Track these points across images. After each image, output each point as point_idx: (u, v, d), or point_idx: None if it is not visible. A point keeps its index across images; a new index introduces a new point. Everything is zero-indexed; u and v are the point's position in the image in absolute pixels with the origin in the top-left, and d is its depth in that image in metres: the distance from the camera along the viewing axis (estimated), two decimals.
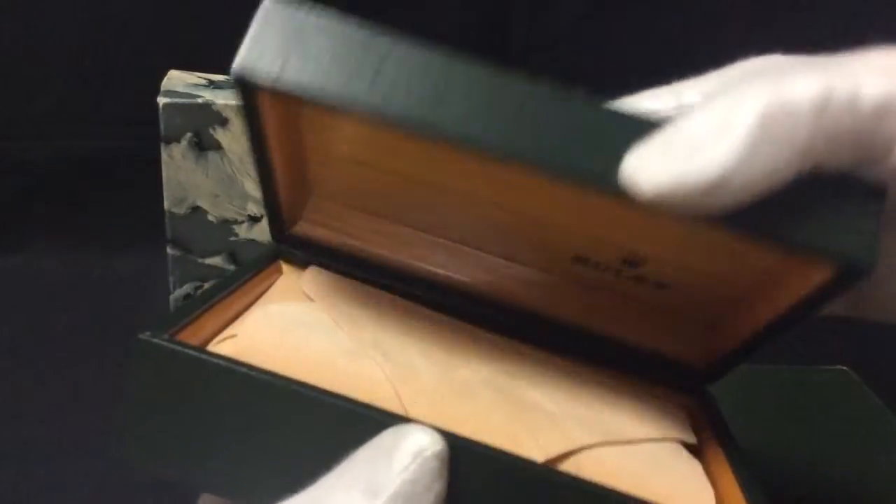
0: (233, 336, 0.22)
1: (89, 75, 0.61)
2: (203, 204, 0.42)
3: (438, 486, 0.18)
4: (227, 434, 0.19)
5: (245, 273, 0.25)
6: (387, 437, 0.18)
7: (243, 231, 0.43)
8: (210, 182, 0.41)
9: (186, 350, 0.19)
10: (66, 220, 0.55)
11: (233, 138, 0.40)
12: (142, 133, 0.47)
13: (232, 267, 0.43)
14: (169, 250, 0.42)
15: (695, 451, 0.24)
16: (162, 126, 0.40)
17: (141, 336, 0.20)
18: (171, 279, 0.43)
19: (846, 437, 0.41)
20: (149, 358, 0.20)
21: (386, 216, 0.27)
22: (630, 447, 0.22)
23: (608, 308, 0.26)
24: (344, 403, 0.19)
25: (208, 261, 0.43)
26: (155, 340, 0.20)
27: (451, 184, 0.25)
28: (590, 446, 0.21)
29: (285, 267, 0.27)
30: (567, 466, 0.21)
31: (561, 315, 0.26)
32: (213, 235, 0.42)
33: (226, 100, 0.40)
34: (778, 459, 0.37)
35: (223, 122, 0.40)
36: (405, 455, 0.17)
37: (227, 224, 0.42)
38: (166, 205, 0.41)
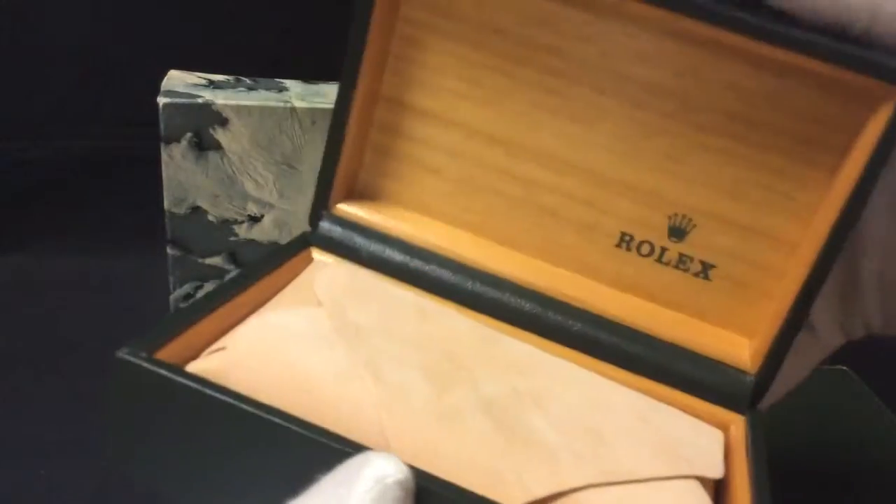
0: (222, 349, 0.22)
1: (89, 75, 0.61)
2: (203, 204, 0.42)
3: None
4: (200, 454, 0.19)
5: (273, 260, 0.24)
6: (352, 463, 0.17)
7: (243, 231, 0.43)
8: (210, 182, 0.41)
9: (159, 370, 0.19)
10: (66, 220, 0.54)
11: (233, 138, 0.40)
12: (142, 133, 0.47)
13: (232, 267, 0.43)
14: (169, 250, 0.42)
15: (719, 485, 0.22)
16: (162, 126, 0.40)
17: (118, 354, 0.20)
18: (171, 279, 0.43)
19: (846, 437, 0.41)
20: (125, 374, 0.19)
21: (428, 204, 0.27)
22: (629, 488, 0.20)
23: (648, 304, 0.26)
24: (318, 437, 0.18)
25: (208, 261, 0.43)
26: (130, 359, 0.19)
27: (509, 161, 0.25)
28: (581, 488, 0.19)
29: (316, 255, 0.27)
30: None
31: (598, 311, 0.26)
32: (213, 235, 0.42)
33: (226, 100, 0.40)
34: (777, 459, 0.37)
35: (223, 122, 0.40)
36: (367, 481, 0.17)
37: (227, 224, 0.42)
38: (166, 205, 0.41)
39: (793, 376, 0.26)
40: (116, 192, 0.58)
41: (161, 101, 0.39)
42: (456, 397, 0.21)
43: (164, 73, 0.42)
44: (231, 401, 0.18)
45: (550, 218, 0.26)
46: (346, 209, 0.27)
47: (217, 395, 0.19)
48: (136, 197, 0.49)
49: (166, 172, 0.40)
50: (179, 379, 0.19)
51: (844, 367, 0.46)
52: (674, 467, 0.21)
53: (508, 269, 0.26)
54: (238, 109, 0.40)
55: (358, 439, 0.18)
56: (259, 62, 0.47)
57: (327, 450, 0.18)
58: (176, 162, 0.40)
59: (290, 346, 0.21)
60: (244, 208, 0.42)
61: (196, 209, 0.42)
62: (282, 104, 0.40)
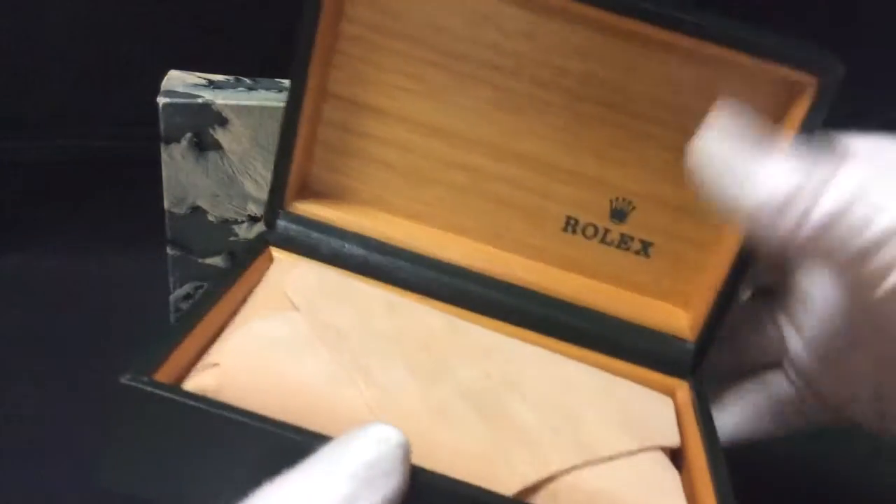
0: (216, 365, 0.22)
1: (89, 75, 0.61)
2: (203, 204, 0.42)
3: (397, 478, 0.17)
4: (202, 467, 0.19)
5: (235, 270, 0.25)
6: (353, 430, 0.18)
7: (243, 231, 0.43)
8: (210, 182, 0.41)
9: (163, 392, 0.19)
10: (66, 220, 0.54)
11: (233, 138, 0.40)
12: (142, 133, 0.47)
13: None
14: (169, 250, 0.42)
15: (677, 451, 0.24)
16: (162, 126, 0.40)
17: (122, 380, 0.20)
18: (171, 279, 0.43)
19: (845, 437, 0.40)
20: (129, 398, 0.20)
21: (381, 197, 0.28)
22: (607, 466, 0.21)
23: (595, 283, 0.28)
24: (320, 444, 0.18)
25: (208, 261, 0.43)
26: (134, 384, 0.20)
27: (456, 152, 0.26)
28: (567, 470, 0.21)
29: (276, 255, 0.27)
30: (544, 495, 0.20)
31: (549, 292, 0.27)
32: (213, 235, 0.42)
33: (226, 100, 0.40)
34: (778, 459, 0.37)
35: (223, 122, 0.40)
36: (368, 440, 0.17)
37: (227, 224, 0.42)
38: (166, 205, 0.41)
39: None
40: (116, 192, 0.58)
41: (161, 101, 0.39)
42: (440, 391, 0.22)
43: (164, 73, 0.42)
44: (239, 418, 0.19)
45: (498, 205, 0.27)
46: (302, 207, 0.28)
47: (224, 413, 0.19)
48: (136, 197, 0.48)
49: (166, 172, 0.40)
50: (186, 401, 0.19)
51: None
52: (639, 440, 0.23)
53: (462, 257, 0.27)
54: (238, 109, 0.40)
55: None
56: (259, 62, 0.47)
57: None
58: (176, 162, 0.40)
59: (277, 355, 0.22)
60: (244, 208, 0.42)
61: (196, 209, 0.42)
62: (282, 104, 0.40)
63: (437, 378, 0.22)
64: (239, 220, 0.42)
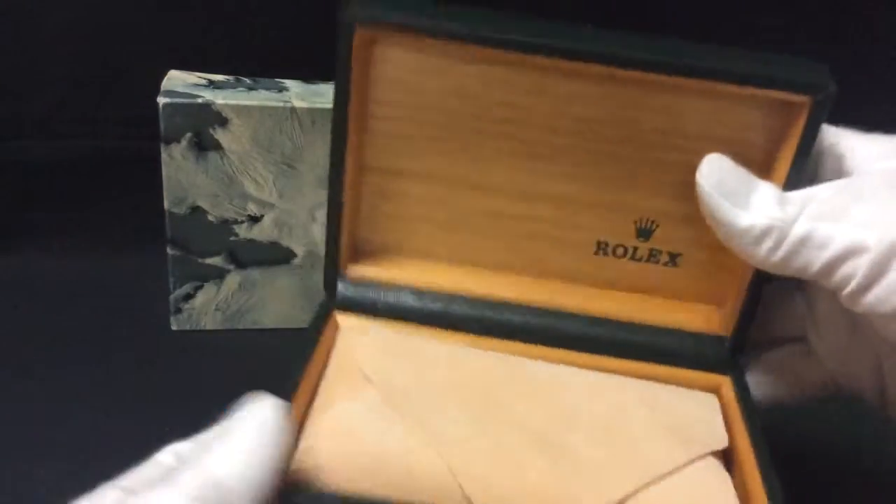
0: (310, 448, 0.24)
1: (89, 75, 0.61)
2: (203, 204, 0.42)
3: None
4: None
5: (311, 339, 0.27)
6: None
7: (243, 231, 0.43)
8: (210, 182, 0.41)
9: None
10: (66, 220, 0.54)
11: (233, 138, 0.40)
12: (142, 133, 0.47)
13: (232, 267, 0.43)
14: (169, 250, 0.42)
15: (726, 452, 0.26)
16: (162, 126, 0.40)
17: None
18: (171, 279, 0.43)
19: (847, 436, 0.41)
20: None
21: (426, 250, 0.30)
22: (665, 482, 0.24)
23: (631, 296, 0.30)
24: None
25: (208, 261, 0.43)
26: None
27: (488, 200, 0.29)
28: (629, 495, 0.23)
29: (339, 318, 0.30)
30: None
31: (590, 311, 0.30)
32: (213, 235, 0.42)
33: (226, 100, 0.40)
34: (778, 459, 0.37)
35: (223, 122, 0.40)
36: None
37: (227, 224, 0.42)
38: (166, 205, 0.41)
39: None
40: (116, 192, 0.58)
41: (161, 101, 0.39)
42: (508, 439, 0.24)
43: (164, 73, 0.42)
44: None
45: (532, 241, 0.30)
46: (357, 269, 0.30)
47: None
48: (136, 197, 0.48)
49: (166, 172, 0.40)
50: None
51: None
52: (690, 450, 0.25)
53: (507, 291, 0.30)
54: (238, 109, 0.40)
55: (451, 500, 0.22)
56: (259, 62, 0.47)
57: None
58: (176, 162, 0.40)
59: (364, 436, 0.24)
60: (244, 208, 0.42)
61: (196, 209, 0.42)
62: (282, 104, 0.40)
63: (503, 427, 0.25)
64: (239, 219, 0.42)
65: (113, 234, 0.53)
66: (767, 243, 0.24)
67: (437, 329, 0.29)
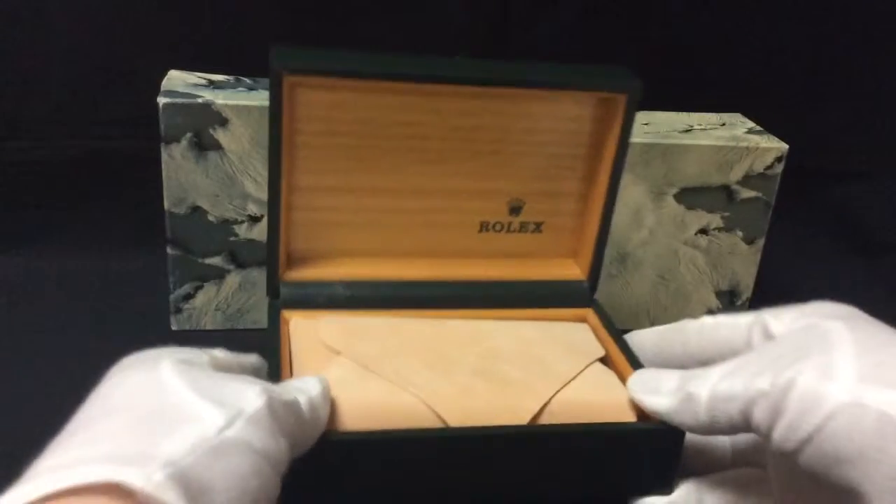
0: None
1: (89, 75, 0.61)
2: (203, 204, 0.42)
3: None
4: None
5: (273, 334, 0.33)
6: None
7: (243, 231, 0.43)
8: (210, 182, 0.41)
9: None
10: (66, 220, 0.55)
11: (233, 138, 0.40)
12: (142, 133, 0.47)
13: (232, 267, 0.43)
14: (169, 250, 0.42)
15: (604, 360, 0.35)
16: (162, 126, 0.40)
17: None
18: (171, 279, 0.43)
19: None
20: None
21: (350, 249, 0.37)
22: (575, 383, 0.32)
23: (512, 260, 0.39)
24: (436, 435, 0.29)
25: (208, 261, 0.43)
26: None
27: (393, 201, 0.36)
28: (553, 396, 0.31)
29: (287, 316, 0.35)
30: (547, 416, 0.31)
31: (482, 278, 0.38)
32: (213, 235, 0.42)
33: (226, 100, 0.40)
34: None
35: (223, 122, 0.40)
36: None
37: (227, 224, 0.42)
38: (166, 205, 0.41)
39: None
40: (116, 192, 0.58)
41: (161, 101, 0.39)
42: (458, 377, 0.32)
43: (164, 73, 0.42)
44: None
45: (433, 229, 0.37)
46: (294, 274, 0.36)
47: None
48: (136, 197, 0.49)
49: (166, 172, 0.41)
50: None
51: None
52: (582, 361, 0.34)
53: (415, 272, 0.37)
54: (238, 109, 0.40)
55: (432, 423, 0.29)
56: (259, 62, 0.47)
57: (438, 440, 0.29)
58: (176, 162, 0.40)
59: (348, 392, 0.30)
60: (244, 208, 0.42)
61: (196, 209, 0.42)
62: None
63: (450, 367, 0.32)
64: (239, 219, 0.42)
65: (113, 234, 0.53)
66: (670, 419, 0.29)
67: (368, 311, 0.35)
